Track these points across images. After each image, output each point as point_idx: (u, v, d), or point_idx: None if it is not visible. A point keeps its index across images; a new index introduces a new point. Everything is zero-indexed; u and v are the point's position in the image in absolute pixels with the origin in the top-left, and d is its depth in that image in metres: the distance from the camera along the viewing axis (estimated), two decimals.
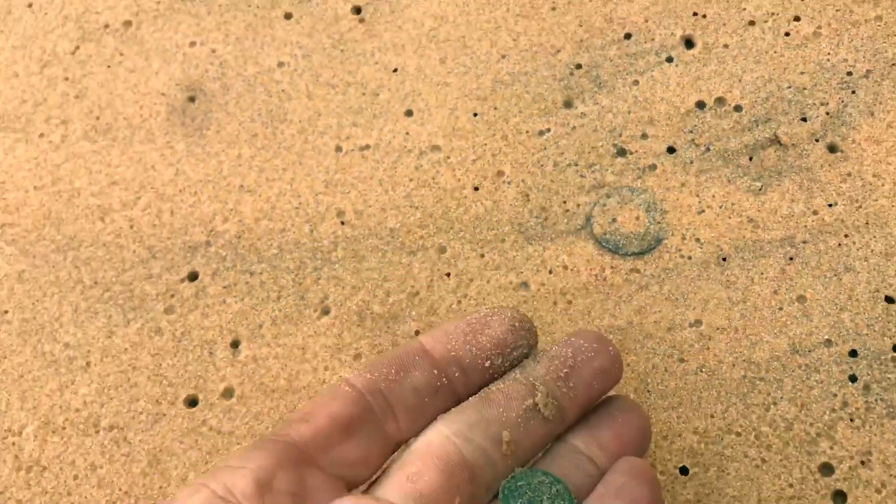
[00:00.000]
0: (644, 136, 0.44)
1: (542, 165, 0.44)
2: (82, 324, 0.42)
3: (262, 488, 0.28)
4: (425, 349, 0.34)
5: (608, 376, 0.35)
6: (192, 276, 0.43)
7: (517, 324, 0.35)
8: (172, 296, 0.43)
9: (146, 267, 0.43)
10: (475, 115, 0.45)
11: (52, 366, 0.42)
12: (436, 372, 0.33)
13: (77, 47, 0.49)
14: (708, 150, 0.43)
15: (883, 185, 0.41)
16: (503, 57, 0.46)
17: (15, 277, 0.44)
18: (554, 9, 0.47)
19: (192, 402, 0.40)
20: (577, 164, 0.44)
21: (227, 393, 0.40)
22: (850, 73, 0.43)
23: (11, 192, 0.46)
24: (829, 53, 0.44)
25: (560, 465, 0.33)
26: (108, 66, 0.49)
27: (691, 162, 0.43)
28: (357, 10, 0.48)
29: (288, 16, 0.49)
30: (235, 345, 0.41)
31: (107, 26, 0.50)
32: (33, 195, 0.46)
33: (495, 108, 0.45)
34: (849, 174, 0.42)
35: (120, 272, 0.43)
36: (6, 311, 0.43)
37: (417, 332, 0.41)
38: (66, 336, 0.42)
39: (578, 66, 0.46)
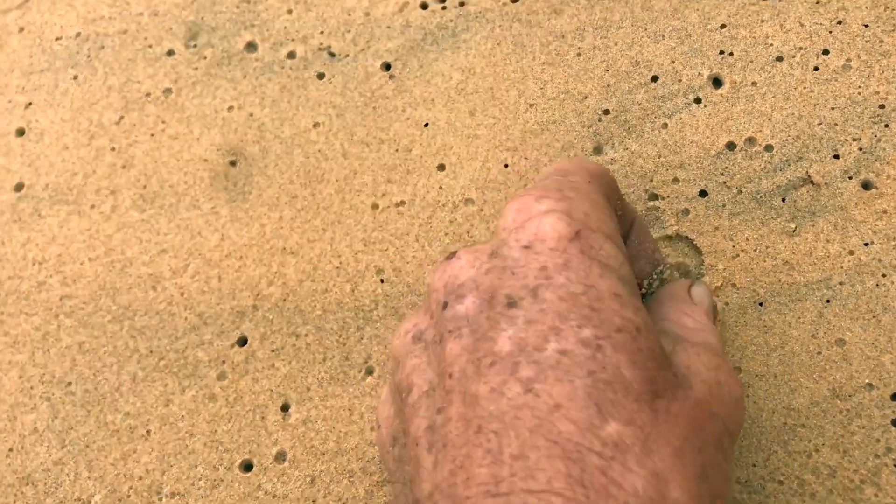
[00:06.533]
0: (675, 180, 0.44)
1: None
2: (140, 392, 0.45)
3: None
4: None
5: None
6: (242, 341, 0.45)
7: None
8: (223, 361, 0.44)
9: (198, 333, 0.45)
10: (506, 165, 0.46)
11: (114, 435, 0.44)
12: None
13: (121, 117, 0.51)
14: (740, 192, 0.43)
15: None
16: (531, 106, 0.47)
17: (76, 349, 0.46)
18: (579, 55, 0.47)
19: (247, 466, 0.42)
20: None
21: (280, 456, 0.42)
22: (882, 106, 0.43)
23: (68, 265, 0.48)
24: (860, 87, 0.44)
25: None
26: (152, 135, 0.50)
27: (724, 205, 0.43)
28: (387, 67, 0.49)
29: (320, 76, 0.50)
30: (286, 408, 0.43)
31: (148, 94, 0.52)
32: (88, 266, 0.48)
33: (525, 159, 0.46)
34: (884, 211, 0.41)
35: (173, 340, 0.45)
36: (69, 383, 0.45)
37: None
38: (126, 405, 0.44)
39: (606, 112, 0.46)
